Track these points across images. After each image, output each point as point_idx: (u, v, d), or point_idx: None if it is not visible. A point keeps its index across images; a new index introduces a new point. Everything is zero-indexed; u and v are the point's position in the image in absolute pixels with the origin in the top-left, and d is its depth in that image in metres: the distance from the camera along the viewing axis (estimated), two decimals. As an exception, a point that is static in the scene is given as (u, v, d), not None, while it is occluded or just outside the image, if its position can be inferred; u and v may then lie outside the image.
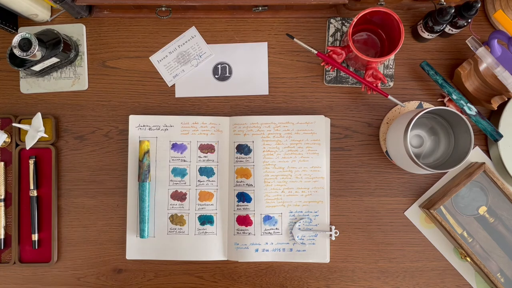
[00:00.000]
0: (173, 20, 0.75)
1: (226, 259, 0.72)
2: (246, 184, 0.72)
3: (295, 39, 0.70)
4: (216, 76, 0.75)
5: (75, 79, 0.74)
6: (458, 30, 0.70)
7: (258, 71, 0.74)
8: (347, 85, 0.74)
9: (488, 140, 0.74)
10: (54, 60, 0.69)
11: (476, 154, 0.74)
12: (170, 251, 0.72)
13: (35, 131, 0.71)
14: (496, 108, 0.69)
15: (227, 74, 0.75)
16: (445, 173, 0.74)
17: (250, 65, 0.74)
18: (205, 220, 0.72)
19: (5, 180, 0.74)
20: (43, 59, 0.67)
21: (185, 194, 0.73)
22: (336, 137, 0.74)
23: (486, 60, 0.65)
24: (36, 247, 0.73)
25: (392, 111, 0.73)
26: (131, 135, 0.73)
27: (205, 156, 0.73)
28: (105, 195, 0.74)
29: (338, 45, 0.74)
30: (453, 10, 0.65)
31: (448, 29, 0.70)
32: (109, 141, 0.74)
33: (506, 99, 0.69)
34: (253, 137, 0.72)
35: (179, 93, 0.75)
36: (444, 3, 0.66)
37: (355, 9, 0.71)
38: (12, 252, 0.73)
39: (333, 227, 0.72)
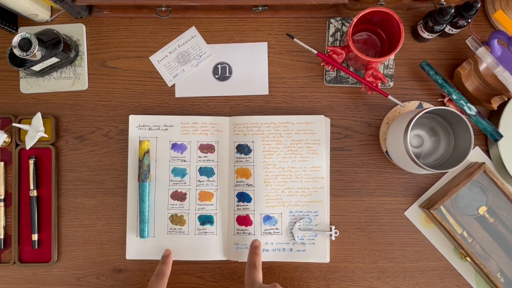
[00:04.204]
0: (173, 20, 0.75)
1: (226, 259, 0.72)
2: (246, 184, 0.72)
3: (295, 39, 0.70)
4: (216, 76, 0.75)
5: (75, 79, 0.74)
6: (458, 30, 0.70)
7: (258, 71, 0.74)
8: (347, 85, 0.74)
9: (488, 140, 0.74)
10: (54, 60, 0.69)
11: (476, 154, 0.74)
12: (170, 251, 0.72)
13: (35, 131, 0.72)
14: (496, 108, 0.69)
15: (227, 74, 0.75)
16: (445, 173, 0.74)
17: (250, 65, 0.74)
18: (205, 220, 0.72)
19: (5, 180, 0.74)
20: (43, 59, 0.67)
21: (185, 194, 0.73)
22: (336, 137, 0.74)
23: (486, 60, 0.65)
24: (36, 247, 0.73)
25: (392, 111, 0.73)
26: (131, 135, 0.73)
27: (205, 156, 0.73)
28: (105, 195, 0.74)
29: (338, 45, 0.74)
30: (453, 10, 0.65)
31: (448, 29, 0.70)
32: (109, 141, 0.75)
33: (506, 99, 0.69)
34: (253, 137, 0.72)
35: (179, 93, 0.75)
36: (444, 3, 0.66)
37: (355, 9, 0.71)
38: (12, 252, 0.73)
39: (333, 227, 0.72)
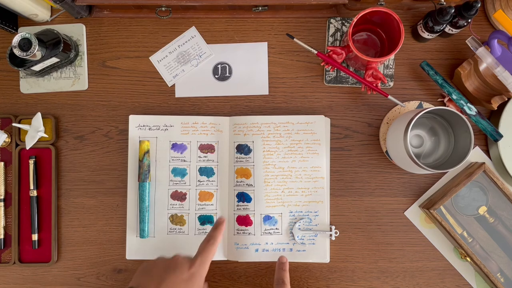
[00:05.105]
0: (173, 20, 0.75)
1: (226, 259, 0.72)
2: (246, 184, 0.72)
3: (295, 39, 0.70)
4: (216, 76, 0.75)
5: (75, 79, 0.74)
6: (458, 30, 0.70)
7: (258, 71, 0.74)
8: (347, 85, 0.74)
9: (488, 140, 0.74)
10: (54, 60, 0.69)
11: (476, 154, 0.74)
12: (170, 251, 0.71)
13: (35, 131, 0.72)
14: (496, 108, 0.69)
15: (227, 74, 0.75)
16: (445, 173, 0.74)
17: (250, 65, 0.74)
18: (205, 220, 0.72)
19: (5, 180, 0.74)
20: (43, 59, 0.67)
21: (185, 194, 0.73)
22: (336, 137, 0.74)
23: (486, 60, 0.65)
24: (36, 247, 0.73)
25: (392, 111, 0.73)
26: (131, 135, 0.73)
27: (205, 156, 0.73)
28: (105, 195, 0.74)
29: (338, 45, 0.74)
30: (453, 10, 0.65)
31: (448, 29, 0.70)
32: (109, 141, 0.75)
33: (506, 99, 0.69)
34: (253, 137, 0.72)
35: (179, 93, 0.75)
36: (444, 3, 0.66)
37: (355, 9, 0.71)
38: (12, 252, 0.73)
39: (333, 227, 0.72)
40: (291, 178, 0.72)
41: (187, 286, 0.56)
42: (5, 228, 0.73)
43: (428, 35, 0.70)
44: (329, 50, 0.70)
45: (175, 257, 0.60)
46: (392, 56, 0.68)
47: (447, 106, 0.71)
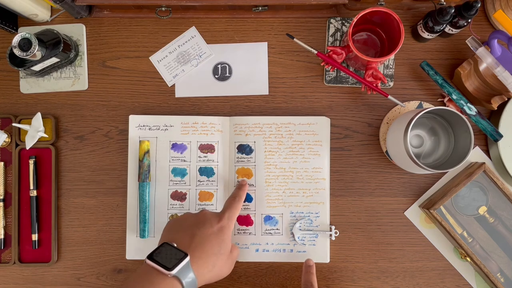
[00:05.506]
0: (173, 20, 0.75)
1: (226, 259, 0.72)
2: (247, 184, 0.72)
3: (295, 39, 0.70)
4: (216, 76, 0.75)
5: (75, 79, 0.74)
6: (458, 30, 0.70)
7: (258, 71, 0.74)
8: (347, 85, 0.74)
9: (488, 140, 0.74)
10: (54, 60, 0.69)
11: (476, 154, 0.74)
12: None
13: (35, 131, 0.71)
14: (496, 108, 0.69)
15: (227, 74, 0.75)
16: (445, 173, 0.74)
17: (250, 65, 0.74)
18: (205, 220, 0.72)
19: (5, 180, 0.74)
20: (43, 59, 0.67)
21: (185, 194, 0.73)
22: (336, 137, 0.74)
23: (486, 60, 0.65)
24: (36, 247, 0.73)
25: (392, 111, 0.73)
26: (131, 135, 0.73)
27: (205, 156, 0.73)
28: (105, 195, 0.74)
29: (338, 45, 0.74)
30: (453, 10, 0.65)
31: (448, 29, 0.70)
32: (109, 141, 0.74)
33: (506, 99, 0.69)
34: (254, 137, 0.72)
35: (179, 93, 0.75)
36: (444, 3, 0.66)
37: (355, 9, 0.71)
38: (12, 252, 0.73)
39: (333, 227, 0.72)
40: (292, 179, 0.72)
41: (217, 238, 0.59)
42: (5, 228, 0.73)
43: (428, 35, 0.70)
44: (329, 50, 0.70)
45: (203, 212, 0.63)
46: (392, 56, 0.68)
47: (447, 106, 0.71)
